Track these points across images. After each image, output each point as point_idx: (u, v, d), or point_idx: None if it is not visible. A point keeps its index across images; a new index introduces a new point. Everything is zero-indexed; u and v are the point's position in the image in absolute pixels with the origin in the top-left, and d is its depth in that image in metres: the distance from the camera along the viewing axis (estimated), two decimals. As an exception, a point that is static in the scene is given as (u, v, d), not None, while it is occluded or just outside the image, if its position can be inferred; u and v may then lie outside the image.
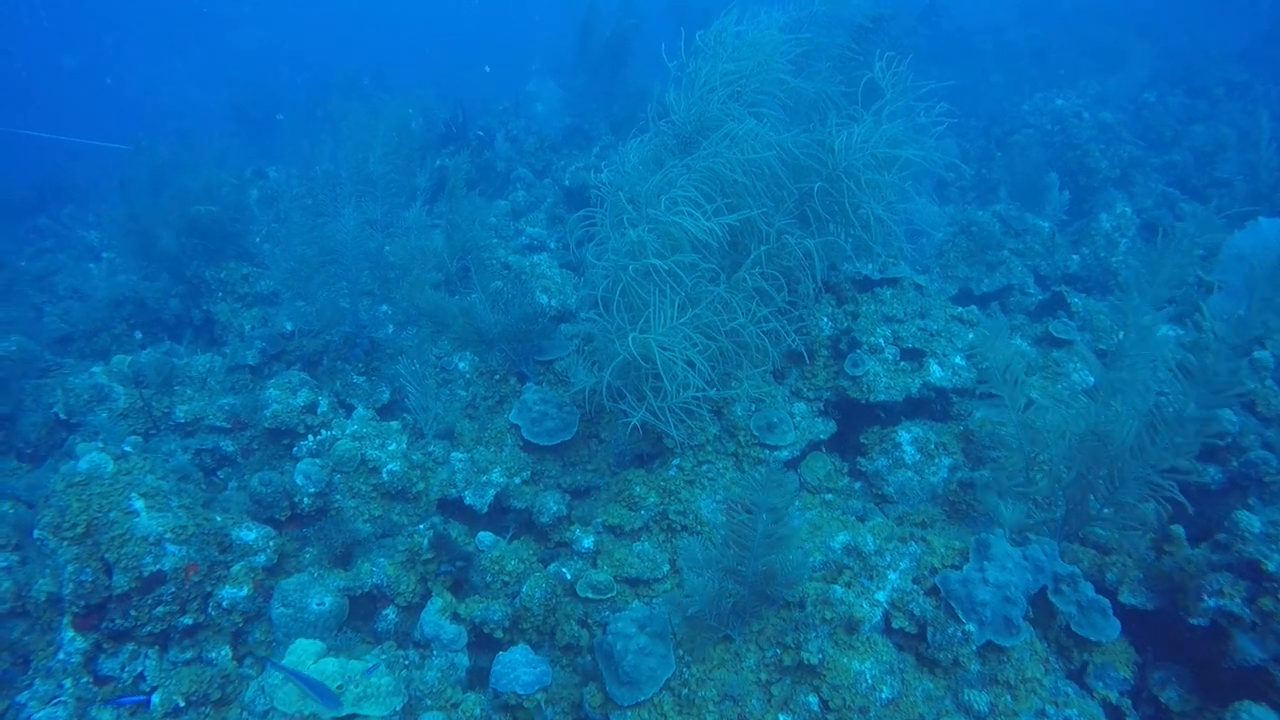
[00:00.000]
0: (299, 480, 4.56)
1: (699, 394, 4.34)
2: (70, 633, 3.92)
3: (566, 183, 8.74)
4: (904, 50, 5.79)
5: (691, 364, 4.23)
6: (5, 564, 4.24)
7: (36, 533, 3.86)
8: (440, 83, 14.70)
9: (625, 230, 4.35)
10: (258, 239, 8.14)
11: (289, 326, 6.55)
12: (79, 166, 11.81)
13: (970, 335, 5.70)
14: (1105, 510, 3.81)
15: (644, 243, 4.09)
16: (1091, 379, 5.59)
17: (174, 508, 4.10)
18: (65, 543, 3.83)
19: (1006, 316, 6.93)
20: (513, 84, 13.15)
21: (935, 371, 5.36)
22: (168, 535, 3.96)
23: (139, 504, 3.99)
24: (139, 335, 7.08)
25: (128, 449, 4.47)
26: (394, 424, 5.36)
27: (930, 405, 5.46)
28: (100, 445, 4.26)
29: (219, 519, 4.29)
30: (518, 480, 5.02)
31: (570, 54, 11.77)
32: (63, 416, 5.43)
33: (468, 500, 4.89)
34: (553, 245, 8.34)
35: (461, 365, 5.97)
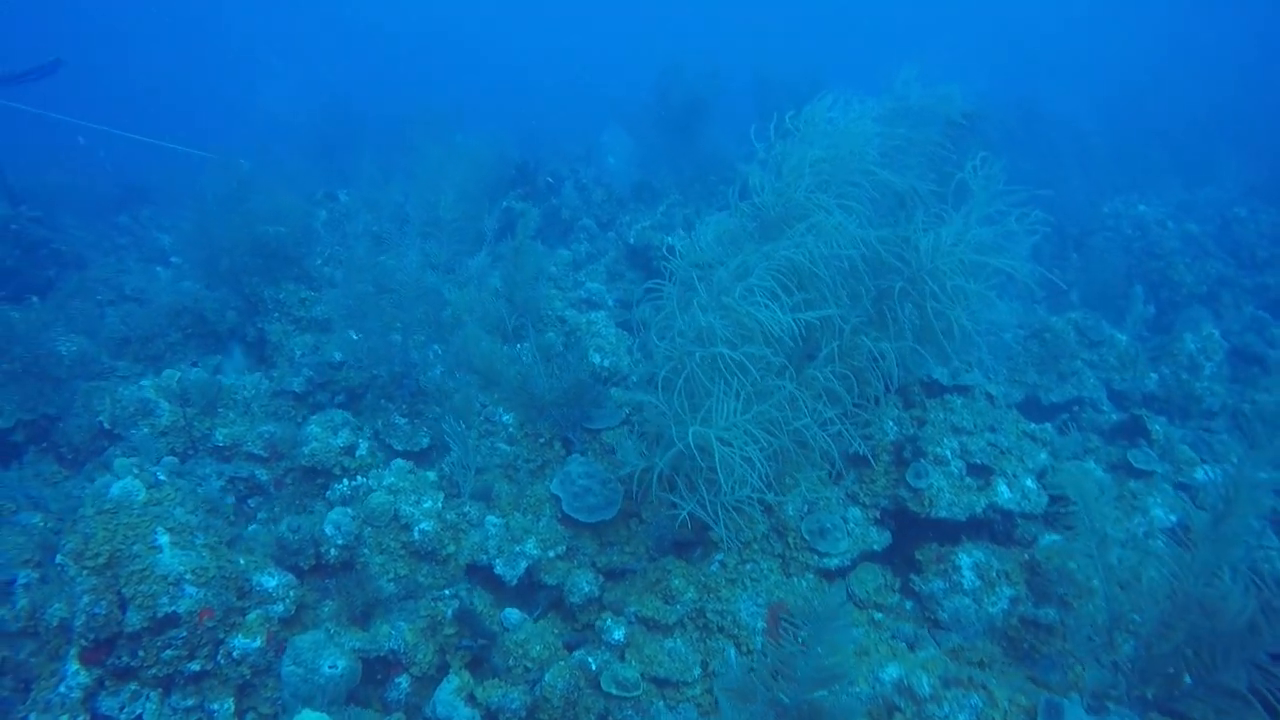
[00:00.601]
0: (328, 530, 4.38)
1: (755, 495, 4.07)
2: (75, 665, 3.75)
3: (631, 241, 8.62)
4: (996, 150, 5.58)
5: (751, 462, 3.96)
6: (25, 580, 4.11)
7: (59, 557, 3.72)
8: (518, 122, 14.91)
9: (694, 312, 4.15)
10: (319, 261, 8.15)
11: (338, 356, 6.46)
12: (164, 169, 12.13)
13: (1043, 455, 5.34)
14: (1199, 689, 3.41)
15: (713, 329, 3.87)
16: (1173, 518, 5.17)
17: (198, 546, 3.94)
18: (85, 572, 3.69)
19: (1079, 434, 6.54)
20: (588, 130, 13.23)
21: (1003, 492, 5.00)
22: (188, 576, 3.79)
23: (164, 539, 3.84)
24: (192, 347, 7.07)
25: (161, 476, 4.34)
26: (430, 475, 5.17)
27: (993, 526, 5.10)
28: (136, 471, 4.14)
29: (242, 561, 4.12)
30: (552, 554, 4.78)
31: (647, 109, 11.81)
32: (107, 426, 5.36)
33: (498, 570, 4.66)
34: (610, 302, 8.20)
35: (506, 418, 5.79)
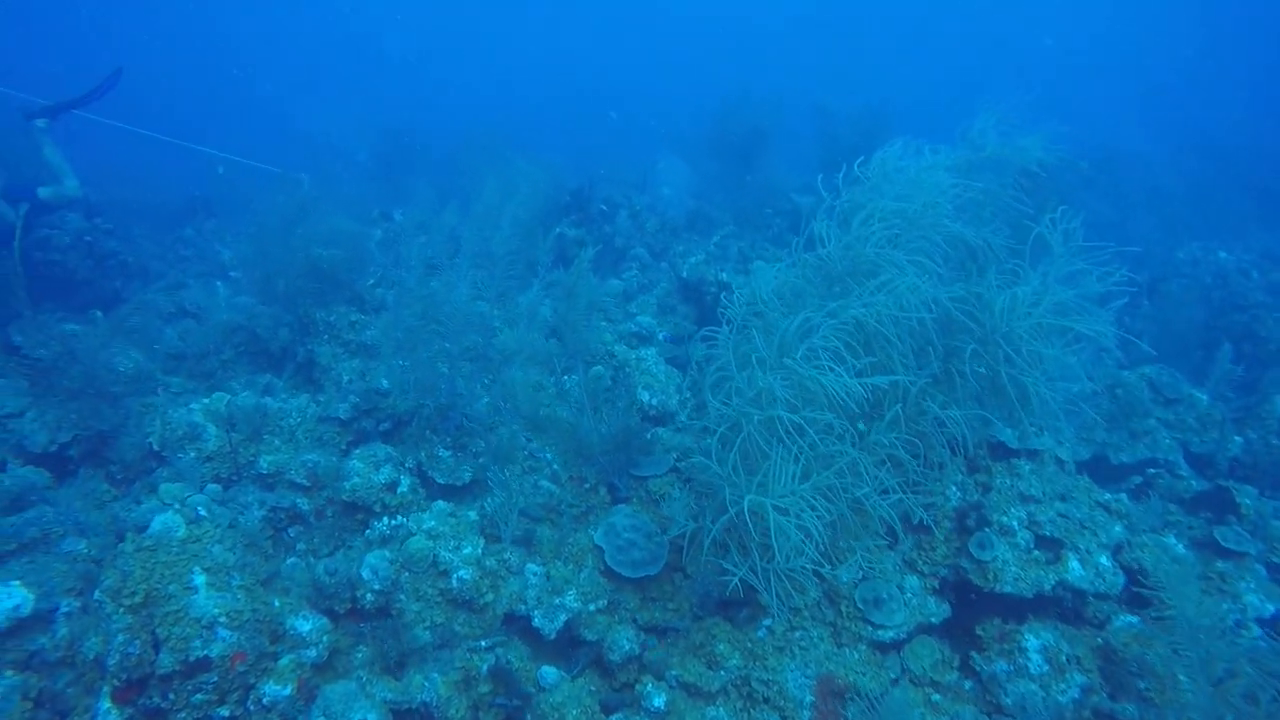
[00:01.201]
0: (365, 574, 4.26)
1: (811, 566, 3.81)
2: (108, 703, 3.67)
3: (684, 274, 8.44)
4: (1073, 199, 5.27)
5: (808, 532, 3.72)
6: (67, 609, 4.07)
7: (97, 594, 3.66)
8: (575, 146, 14.91)
9: (753, 370, 3.93)
10: (371, 282, 8.16)
11: (385, 384, 6.40)
12: (228, 182, 12.42)
13: (1118, 529, 4.97)
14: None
15: (773, 391, 3.65)
16: (1271, 607, 4.75)
17: (234, 587, 3.84)
18: (122, 610, 3.61)
19: (1158, 502, 6.11)
20: (645, 156, 13.12)
21: (1074, 569, 4.65)
22: (222, 619, 3.69)
23: (200, 579, 3.75)
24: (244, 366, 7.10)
25: (202, 510, 4.28)
26: (471, 515, 5.03)
27: (1062, 603, 4.74)
28: (178, 505, 4.08)
29: (277, 603, 4.01)
30: (593, 608, 4.58)
31: (706, 137, 11.66)
32: (156, 448, 5.36)
33: (536, 622, 4.47)
34: (661, 337, 8.01)
35: (549, 455, 5.64)
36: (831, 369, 3.61)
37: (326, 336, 7.22)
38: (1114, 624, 4.67)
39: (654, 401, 6.71)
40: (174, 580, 3.71)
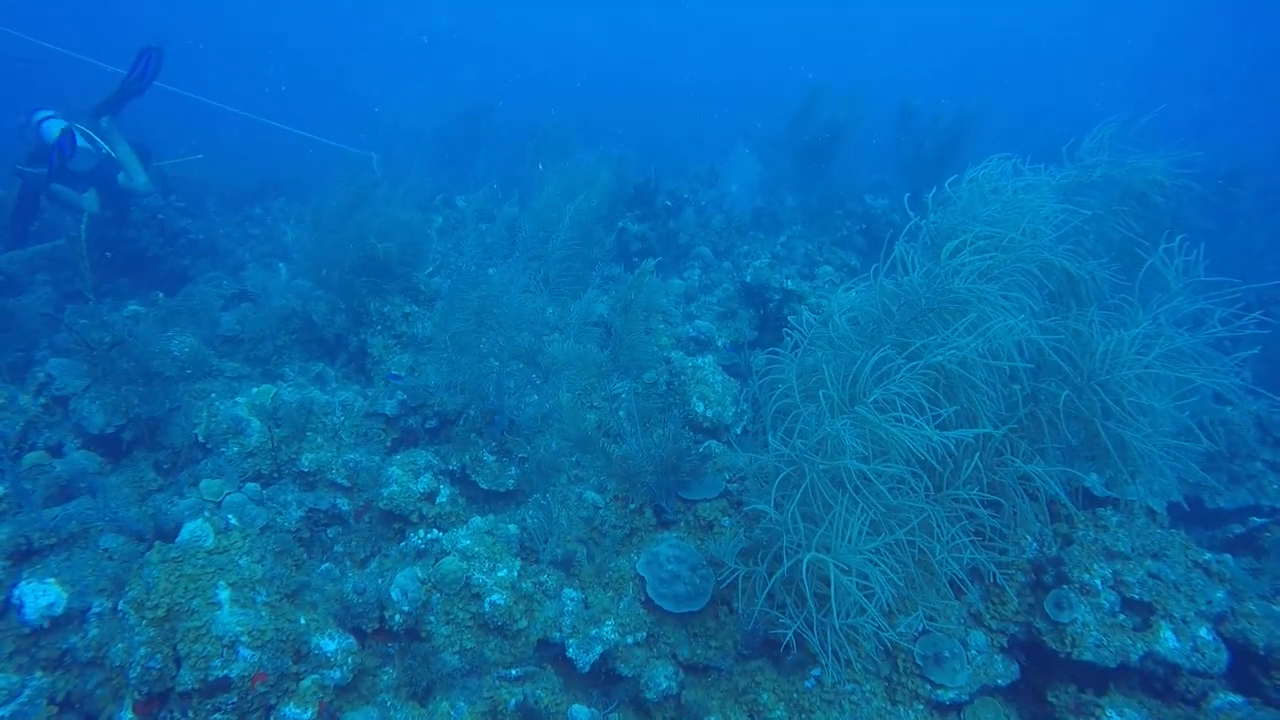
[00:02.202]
0: (394, 595, 4.02)
1: (873, 627, 3.40)
2: (130, 714, 3.52)
3: (748, 279, 7.98)
4: (1190, 226, 4.66)
5: (871, 592, 3.30)
6: (99, 609, 3.95)
7: (121, 604, 3.50)
8: (646, 139, 14.46)
9: (819, 407, 3.51)
10: (429, 270, 7.94)
11: (434, 380, 6.17)
12: (297, 161, 12.45)
13: (1220, 594, 4.39)
14: None
15: (841, 440, 3.22)
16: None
17: (258, 604, 3.64)
18: (144, 622, 3.44)
19: (1257, 558, 5.47)
20: (716, 150, 12.60)
21: (1168, 640, 4.11)
22: (244, 638, 3.49)
23: (224, 595, 3.56)
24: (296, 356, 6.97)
25: (231, 520, 4.10)
26: (511, 528, 4.75)
27: (1151, 677, 4.20)
28: (207, 514, 3.90)
29: (303, 620, 3.80)
30: (630, 640, 4.25)
31: (780, 133, 11.10)
32: (201, 440, 5.24)
33: (570, 653, 4.18)
34: (720, 343, 7.60)
35: (594, 475, 5.32)
36: (910, 421, 3.16)
37: (380, 327, 7.05)
38: (1212, 703, 4.11)
39: (709, 413, 6.33)
40: (198, 595, 3.52)
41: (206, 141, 11.03)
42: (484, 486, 5.53)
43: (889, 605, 3.62)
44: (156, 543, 3.68)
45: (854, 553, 3.21)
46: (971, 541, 3.80)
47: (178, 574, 3.54)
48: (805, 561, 3.19)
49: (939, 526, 3.59)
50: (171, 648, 3.45)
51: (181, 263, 8.87)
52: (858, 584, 3.29)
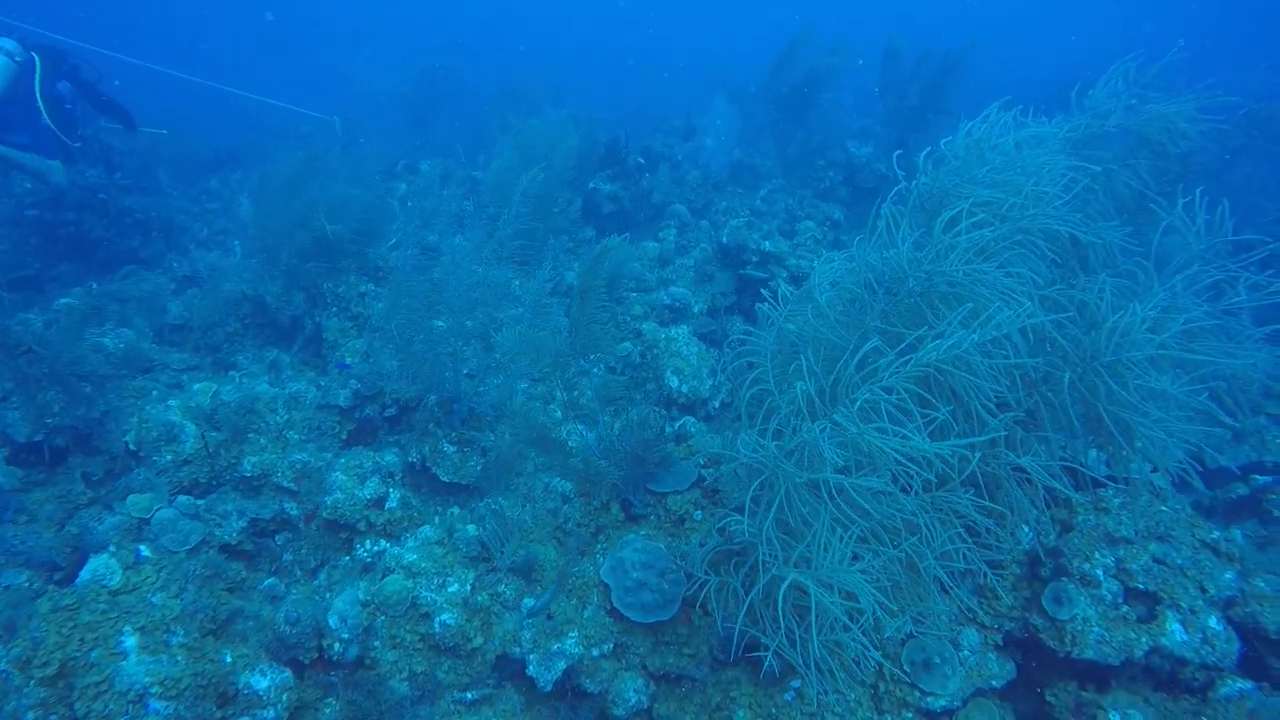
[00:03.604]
0: (332, 622, 3.56)
1: (858, 647, 2.96)
2: (32, 778, 3.08)
3: (724, 240, 7.38)
4: (1199, 176, 4.08)
5: (856, 614, 2.85)
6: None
7: (2, 664, 3.02)
8: (622, 95, 13.54)
9: (795, 395, 2.99)
10: (392, 242, 7.31)
11: (392, 365, 5.63)
12: (257, 129, 11.60)
13: (1229, 575, 3.97)
14: None
15: (819, 450, 2.71)
16: None
17: (173, 647, 3.17)
18: (33, 682, 2.98)
19: (1263, 524, 5.05)
20: (695, 103, 11.73)
21: (1175, 633, 3.69)
22: (154, 689, 3.03)
23: (131, 641, 3.09)
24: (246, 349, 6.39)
25: (145, 552, 3.60)
26: (470, 530, 4.28)
27: (1157, 672, 3.80)
28: (113, 549, 3.40)
29: (229, 658, 3.34)
30: (596, 653, 3.83)
31: (760, 81, 10.27)
32: (133, 448, 4.72)
33: (530, 670, 3.75)
34: (696, 309, 7.04)
35: (557, 481, 4.82)
36: (897, 431, 2.65)
37: (335, 309, 6.47)
38: (1220, 691, 3.72)
39: (684, 389, 5.83)
40: (98, 645, 3.05)
41: (157, 110, 10.22)
42: (445, 479, 5.05)
43: (875, 614, 3.18)
44: (50, 588, 3.19)
45: (836, 572, 2.73)
46: (963, 538, 3.34)
47: (72, 624, 3.06)
48: (784, 585, 2.72)
49: (929, 529, 3.12)
50: (69, 708, 2.99)
51: (130, 244, 8.20)
52: (841, 603, 2.83)
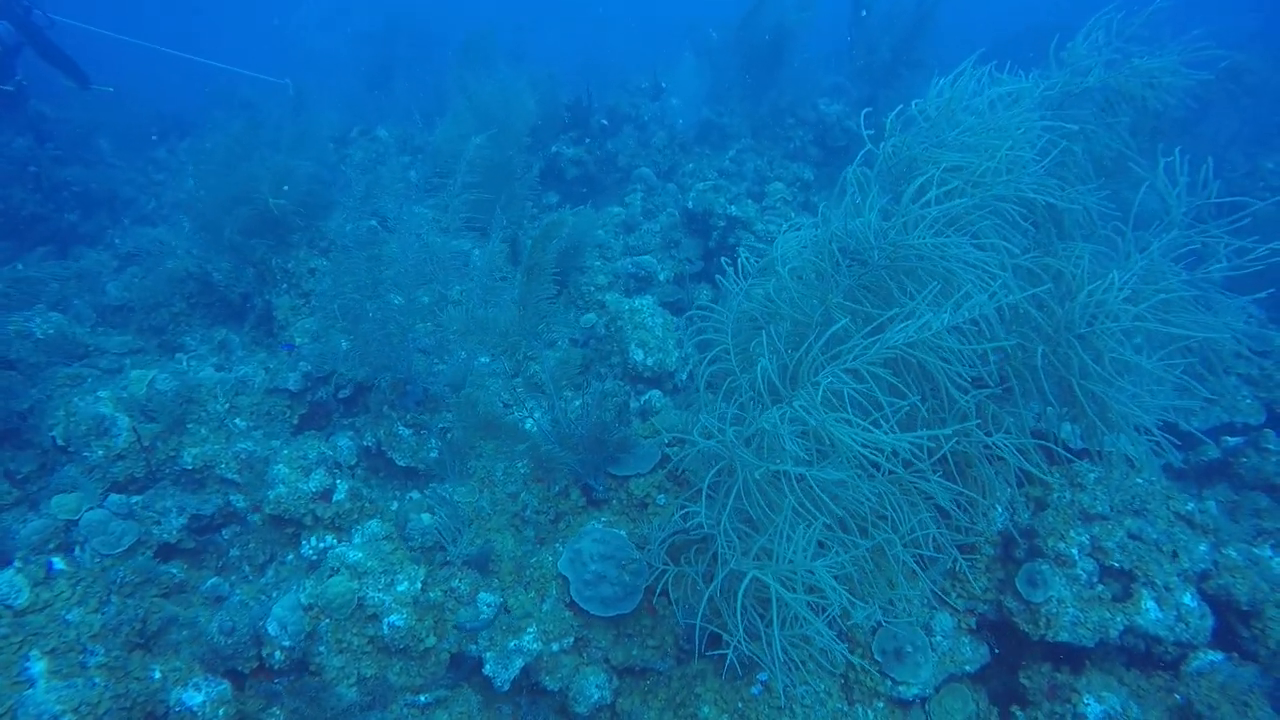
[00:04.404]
0: (271, 630, 3.30)
1: (825, 640, 2.76)
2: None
3: (690, 205, 7.04)
4: (1172, 127, 3.85)
5: (820, 608, 2.64)
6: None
7: (-105, 698, 2.74)
8: (587, 54, 12.90)
9: (756, 378, 2.73)
10: (343, 217, 6.88)
11: (345, 345, 5.29)
12: (204, 94, 10.92)
13: (1203, 547, 3.82)
14: None
15: (779, 438, 2.46)
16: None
17: (91, 668, 2.90)
18: (-67, 715, 2.70)
19: (1234, 488, 4.93)
20: (662, 62, 11.18)
21: (1150, 611, 3.55)
22: (67, 716, 2.77)
23: (38, 667, 2.81)
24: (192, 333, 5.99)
25: (58, 565, 3.29)
26: (425, 519, 4.02)
27: (1132, 651, 3.67)
28: (19, 564, 3.09)
29: (158, 674, 3.08)
30: (555, 648, 3.61)
31: (727, 38, 9.78)
32: (60, 443, 4.38)
33: (487, 669, 3.53)
34: (662, 277, 6.73)
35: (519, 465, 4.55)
36: (861, 424, 2.39)
37: (285, 286, 6.08)
38: (1192, 664, 3.59)
39: (650, 361, 5.56)
40: (0, 673, 2.77)
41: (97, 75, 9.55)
42: (402, 464, 4.79)
43: (842, 605, 2.97)
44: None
45: (799, 566, 2.50)
46: (935, 520, 3.14)
47: (-28, 650, 2.78)
48: (744, 582, 2.49)
49: (896, 511, 2.90)
50: (-25, 738, 2.72)
51: (68, 219, 7.69)
52: (805, 593, 2.62)
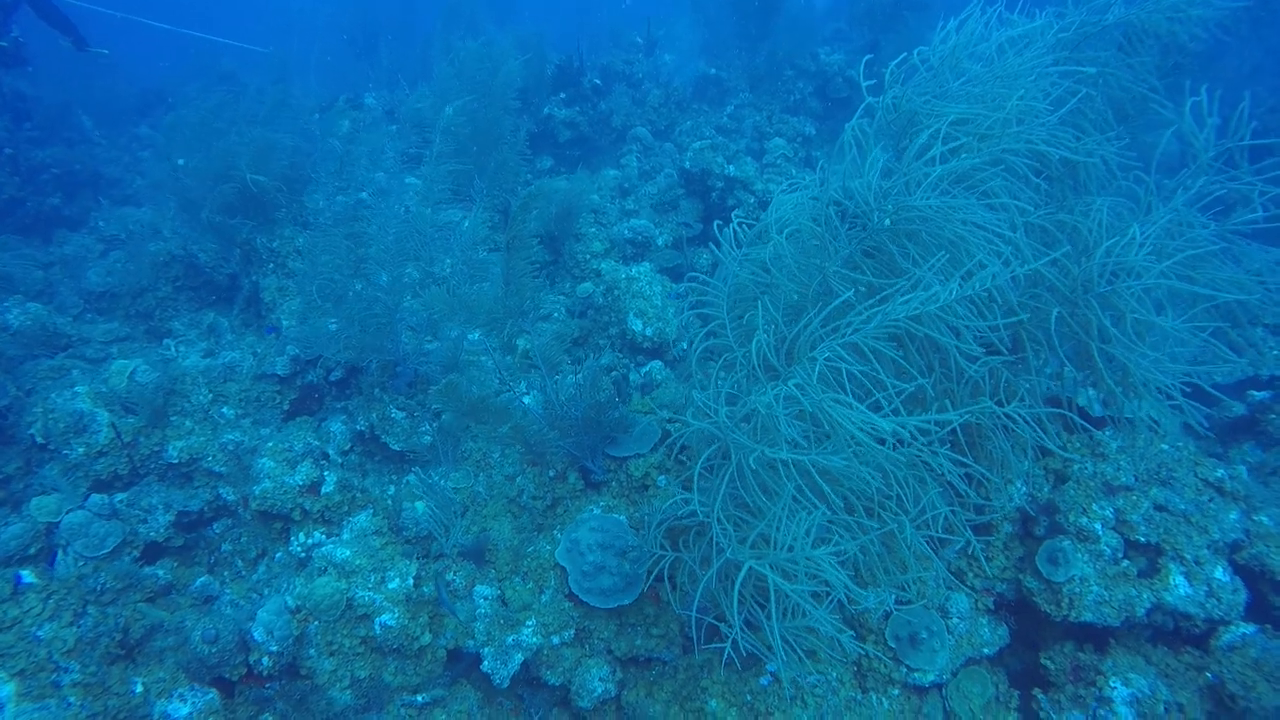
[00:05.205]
0: (258, 635, 3.13)
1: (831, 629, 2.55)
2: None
3: (687, 165, 6.68)
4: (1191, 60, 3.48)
5: (822, 597, 2.43)
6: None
7: None
8: (579, 10, 12.33)
9: (753, 370, 2.48)
10: (329, 192, 6.57)
11: (333, 326, 5.05)
12: (186, 67, 10.50)
13: (1233, 515, 3.58)
14: None
15: (775, 420, 2.21)
16: None
17: (64, 687, 2.75)
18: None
19: (1262, 446, 4.66)
20: (660, 11, 10.60)
21: (1179, 586, 3.33)
22: (44, 739, 2.62)
23: (6, 690, 2.65)
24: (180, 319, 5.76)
25: (28, 578, 3.12)
26: (419, 508, 3.84)
27: (1158, 625, 3.46)
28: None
29: (139, 687, 2.93)
30: (556, 640, 3.45)
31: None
32: (40, 441, 4.19)
33: (485, 666, 3.37)
34: (660, 242, 6.42)
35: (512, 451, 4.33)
36: (860, 409, 2.14)
37: (271, 265, 5.82)
38: (1222, 638, 3.37)
39: (649, 331, 5.30)
40: (-30, 695, 2.61)
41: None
42: (396, 448, 4.60)
43: (848, 592, 2.76)
44: (-90, 633, 2.72)
45: (798, 554, 2.28)
46: (947, 498, 2.91)
47: (-63, 674, 2.62)
48: (741, 573, 2.27)
49: (903, 488, 2.66)
50: (-52, 763, 2.58)
51: (49, 202, 7.42)
52: (808, 581, 2.40)
